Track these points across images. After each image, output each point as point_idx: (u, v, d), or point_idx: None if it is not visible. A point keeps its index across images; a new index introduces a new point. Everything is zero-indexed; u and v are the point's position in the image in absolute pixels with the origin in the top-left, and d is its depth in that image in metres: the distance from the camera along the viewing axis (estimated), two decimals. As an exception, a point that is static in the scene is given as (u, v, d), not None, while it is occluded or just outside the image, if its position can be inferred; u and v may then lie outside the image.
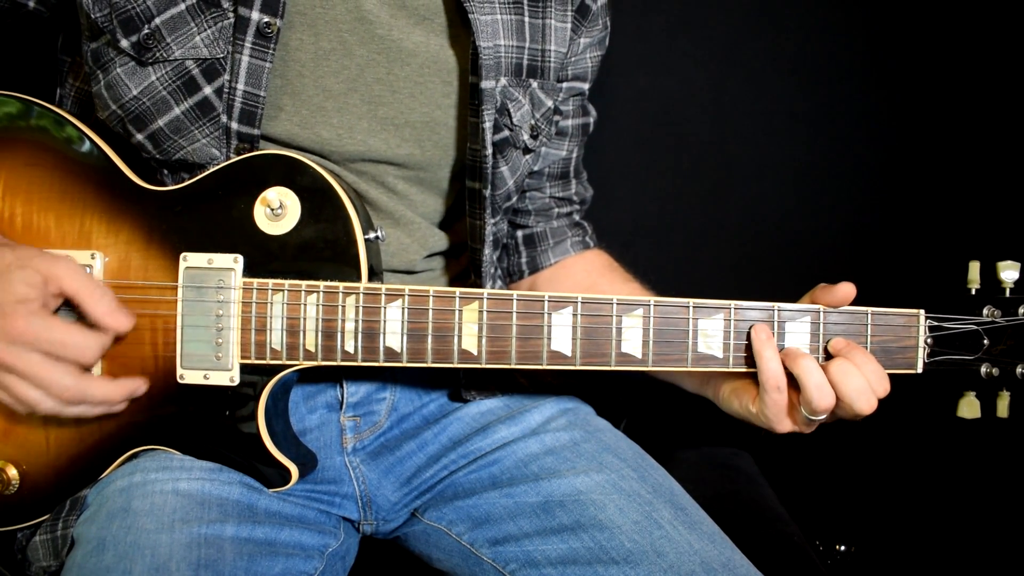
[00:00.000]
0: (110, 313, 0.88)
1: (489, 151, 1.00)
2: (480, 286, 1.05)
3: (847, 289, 0.90)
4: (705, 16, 1.71)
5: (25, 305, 0.83)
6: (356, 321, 0.91)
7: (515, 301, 0.91)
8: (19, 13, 1.01)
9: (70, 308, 0.89)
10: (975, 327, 0.91)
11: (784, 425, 0.91)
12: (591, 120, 1.19)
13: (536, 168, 1.15)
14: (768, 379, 0.89)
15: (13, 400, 0.86)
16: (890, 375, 0.90)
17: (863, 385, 0.87)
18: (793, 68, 1.72)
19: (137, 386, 0.91)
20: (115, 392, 0.89)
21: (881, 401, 0.89)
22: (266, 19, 0.92)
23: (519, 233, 1.21)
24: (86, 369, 0.88)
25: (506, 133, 1.02)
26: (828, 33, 1.72)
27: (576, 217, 1.24)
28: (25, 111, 0.95)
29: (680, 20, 1.70)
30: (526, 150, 1.07)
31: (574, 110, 1.16)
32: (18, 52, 1.17)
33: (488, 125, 0.99)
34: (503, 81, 1.01)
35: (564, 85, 1.12)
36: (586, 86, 1.15)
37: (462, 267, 1.13)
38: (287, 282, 0.91)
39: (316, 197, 0.92)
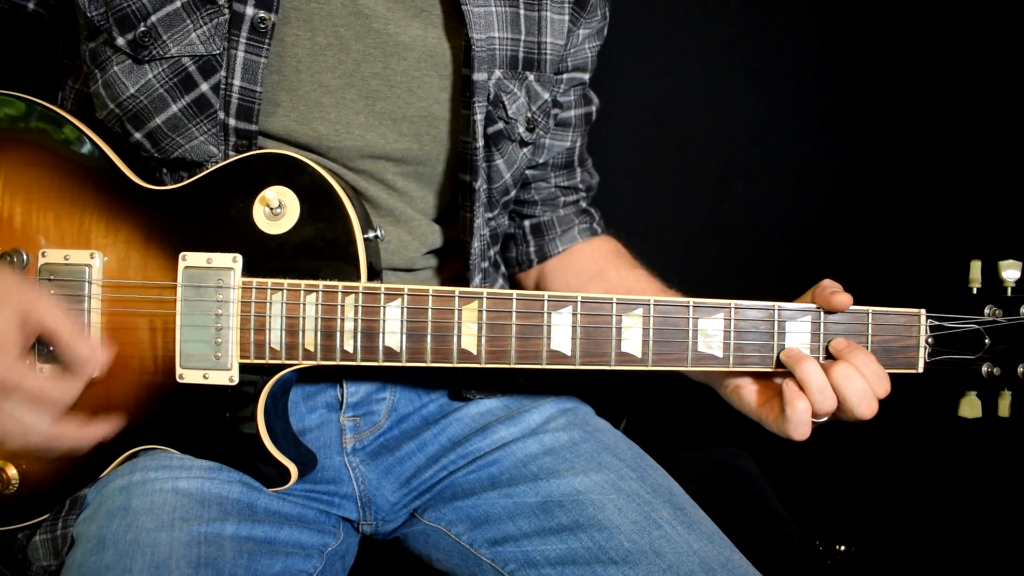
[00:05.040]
0: (91, 357, 0.87)
1: (480, 143, 1.00)
2: (469, 280, 1.05)
3: (842, 299, 0.89)
4: (705, 16, 1.71)
5: (3, 351, 0.82)
6: (355, 320, 0.91)
7: (514, 300, 0.91)
8: (19, 15, 1.01)
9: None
10: (976, 326, 0.90)
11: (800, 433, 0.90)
12: (594, 109, 1.19)
13: (541, 160, 1.15)
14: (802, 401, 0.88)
15: None
16: (891, 375, 0.90)
17: (865, 389, 0.86)
18: (793, 68, 1.72)
19: (107, 432, 0.90)
20: (86, 438, 0.88)
21: (882, 401, 0.88)
22: (261, 14, 0.92)
23: (526, 223, 1.21)
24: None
25: (501, 126, 1.02)
26: (828, 33, 1.72)
27: (583, 204, 1.24)
28: (25, 111, 0.95)
29: (680, 20, 1.70)
30: (522, 143, 1.07)
31: (575, 100, 1.16)
32: (19, 55, 1.17)
33: (480, 117, 0.99)
34: (497, 73, 1.01)
35: (564, 76, 1.12)
36: (587, 76, 1.15)
37: (462, 264, 1.13)
38: (286, 281, 0.91)
39: (315, 196, 0.92)
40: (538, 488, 1.00)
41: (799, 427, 0.88)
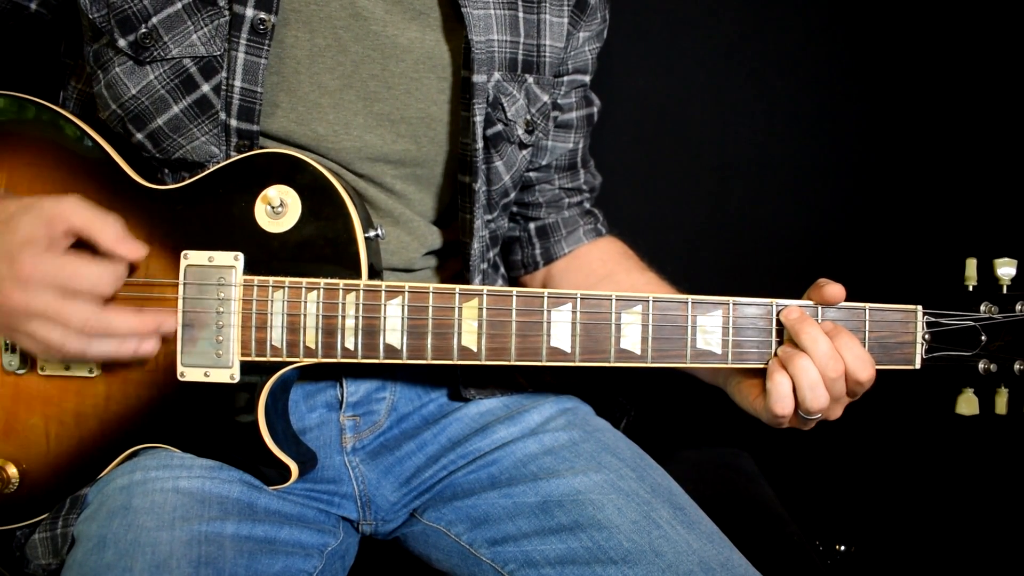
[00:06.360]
0: (120, 240, 0.86)
1: (480, 145, 1.00)
2: (469, 281, 1.05)
3: (833, 290, 0.90)
4: (705, 16, 1.71)
5: (31, 246, 0.83)
6: (356, 318, 0.91)
7: (514, 298, 0.91)
8: (21, 15, 1.02)
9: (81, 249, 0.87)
10: (972, 323, 0.91)
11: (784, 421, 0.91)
12: (595, 110, 1.20)
13: (544, 162, 1.16)
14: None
15: (39, 346, 0.84)
16: (888, 371, 0.90)
17: (862, 355, 0.88)
18: (793, 68, 1.73)
19: (163, 320, 0.89)
20: (140, 323, 0.87)
21: (880, 398, 0.89)
22: (260, 15, 0.93)
23: (531, 225, 1.21)
24: (106, 302, 0.86)
25: (500, 127, 1.03)
26: (829, 33, 1.73)
27: (587, 205, 1.24)
28: (27, 110, 0.95)
29: (680, 20, 1.71)
30: (522, 145, 1.07)
31: (577, 102, 1.16)
32: (22, 55, 1.18)
33: (479, 119, 1.00)
34: (496, 76, 1.01)
35: (565, 79, 1.12)
36: (587, 78, 1.16)
37: (461, 265, 1.13)
38: (287, 279, 0.91)
39: (316, 195, 0.92)
40: (538, 488, 1.00)
41: (779, 400, 0.88)
